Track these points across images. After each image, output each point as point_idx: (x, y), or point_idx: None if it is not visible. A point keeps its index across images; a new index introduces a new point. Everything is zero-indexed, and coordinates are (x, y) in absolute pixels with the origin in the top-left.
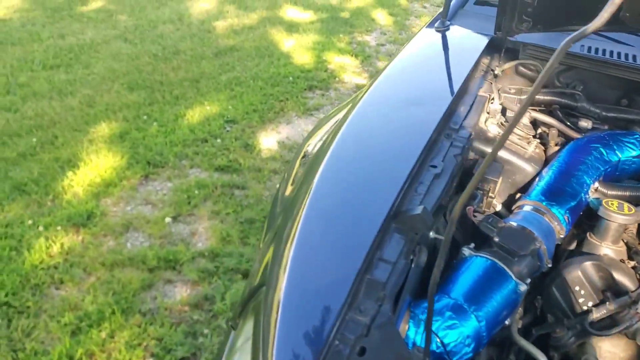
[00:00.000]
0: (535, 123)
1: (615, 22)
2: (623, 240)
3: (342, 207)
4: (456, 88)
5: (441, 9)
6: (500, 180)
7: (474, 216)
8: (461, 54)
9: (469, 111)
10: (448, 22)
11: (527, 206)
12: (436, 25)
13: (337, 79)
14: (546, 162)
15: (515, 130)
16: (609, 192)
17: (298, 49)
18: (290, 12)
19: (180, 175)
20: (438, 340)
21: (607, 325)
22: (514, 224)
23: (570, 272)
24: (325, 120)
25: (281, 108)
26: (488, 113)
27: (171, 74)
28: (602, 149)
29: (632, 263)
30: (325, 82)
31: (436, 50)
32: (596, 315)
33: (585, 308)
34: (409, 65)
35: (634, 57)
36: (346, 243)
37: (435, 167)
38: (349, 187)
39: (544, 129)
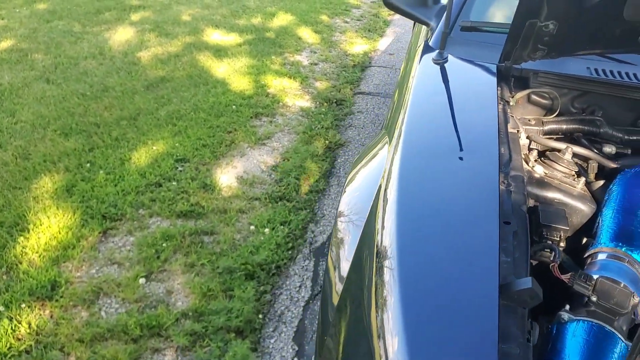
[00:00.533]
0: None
1: (632, 44)
2: None
3: (446, 291)
4: (494, 128)
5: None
6: (568, 228)
7: (561, 273)
8: (476, 88)
9: (509, 151)
10: (446, 53)
11: (602, 254)
12: (434, 57)
13: (280, 103)
14: (595, 199)
15: (557, 167)
16: None
17: (233, 74)
18: (214, 36)
19: (141, 226)
20: None
21: None
22: (606, 279)
23: None
24: (356, 169)
25: (232, 140)
26: (528, 152)
27: (105, 113)
28: None
29: None
30: (270, 108)
31: (449, 87)
32: None
33: None
34: (430, 106)
35: None
36: (470, 338)
37: (509, 223)
38: (442, 264)
39: (579, 161)
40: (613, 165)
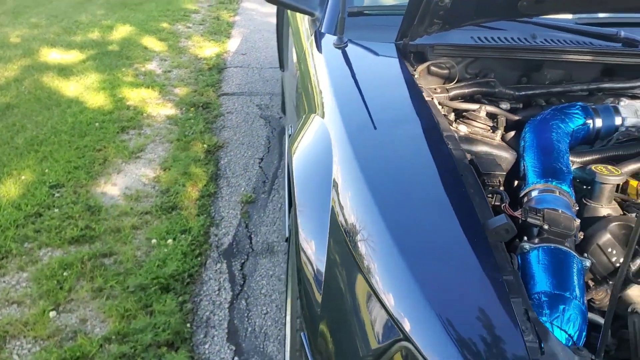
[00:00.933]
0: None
1: (512, 11)
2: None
3: (438, 237)
4: (416, 98)
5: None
6: (505, 173)
7: (514, 211)
8: (383, 66)
9: (434, 116)
10: (345, 38)
11: (535, 190)
12: (334, 42)
13: (144, 114)
14: (511, 147)
15: (476, 124)
16: (579, 160)
17: (85, 91)
18: (53, 55)
19: (32, 260)
20: (567, 334)
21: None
22: (550, 209)
23: (601, 237)
24: (297, 156)
25: (104, 158)
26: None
27: None
28: (559, 124)
29: (632, 215)
30: (134, 121)
31: (359, 67)
32: (633, 267)
33: (617, 263)
34: (349, 87)
35: (519, 39)
36: (475, 272)
37: (462, 175)
38: (426, 217)
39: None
40: (516, 117)
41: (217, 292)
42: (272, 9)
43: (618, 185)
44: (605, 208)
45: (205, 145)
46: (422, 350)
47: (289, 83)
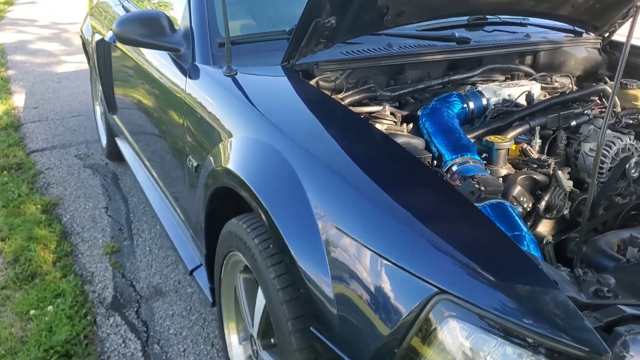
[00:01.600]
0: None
1: (380, 25)
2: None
3: (429, 210)
4: (338, 106)
5: None
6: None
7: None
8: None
9: None
10: (234, 67)
11: (455, 165)
12: (224, 72)
13: None
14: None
15: (386, 121)
16: (470, 136)
17: None
18: None
19: None
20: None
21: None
22: (478, 175)
23: (514, 190)
24: None
25: None
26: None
27: None
28: (447, 110)
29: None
30: None
31: (265, 89)
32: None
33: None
34: (272, 106)
35: (380, 48)
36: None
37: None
38: (411, 196)
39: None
40: (405, 112)
41: (123, 345)
42: (48, 57)
43: (511, 149)
44: (504, 169)
45: (39, 206)
46: (463, 298)
47: (134, 125)
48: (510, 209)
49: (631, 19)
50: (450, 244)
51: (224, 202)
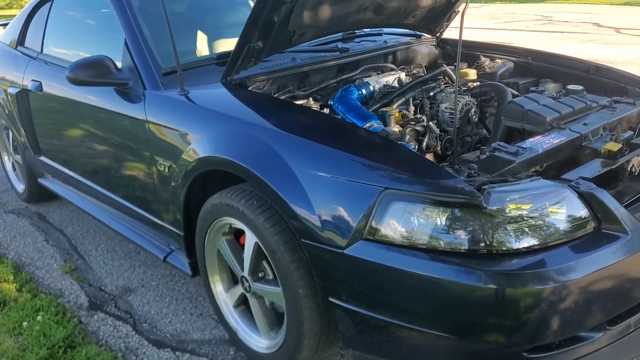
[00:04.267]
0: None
1: (289, 44)
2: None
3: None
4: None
5: None
6: None
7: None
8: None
9: None
10: (186, 88)
11: (367, 128)
12: (178, 92)
13: None
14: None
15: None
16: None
17: None
18: None
19: None
20: None
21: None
22: (385, 130)
23: (405, 137)
24: None
25: None
26: None
27: None
28: (351, 96)
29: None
30: None
31: (229, 100)
32: (423, 145)
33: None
34: (244, 113)
35: (287, 62)
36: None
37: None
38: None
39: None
40: (320, 104)
41: (115, 330)
42: None
43: (396, 115)
44: (395, 128)
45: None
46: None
47: (74, 158)
48: (408, 145)
49: (460, 22)
50: (382, 161)
51: (197, 189)
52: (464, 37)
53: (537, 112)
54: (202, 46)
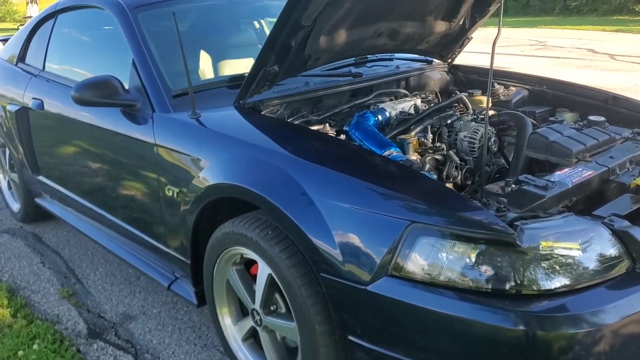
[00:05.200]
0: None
1: (303, 68)
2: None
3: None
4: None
5: None
6: None
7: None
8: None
9: None
10: (197, 111)
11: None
12: (189, 115)
13: None
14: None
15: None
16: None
17: None
18: None
19: None
20: None
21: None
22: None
23: (425, 167)
24: None
25: None
26: None
27: None
28: (368, 122)
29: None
30: None
31: (242, 125)
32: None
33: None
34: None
35: (300, 86)
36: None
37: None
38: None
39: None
40: (335, 129)
41: None
42: None
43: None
44: (414, 156)
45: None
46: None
47: (77, 179)
48: (430, 175)
49: (491, 52)
50: (407, 192)
51: (207, 217)
52: (478, 63)
53: (563, 144)
54: (206, 67)
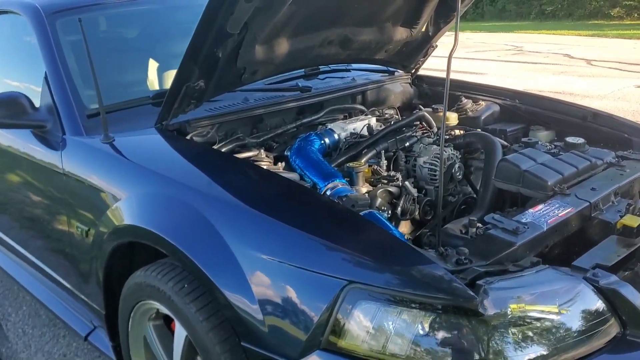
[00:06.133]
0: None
1: (238, 83)
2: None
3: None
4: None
5: None
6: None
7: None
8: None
9: None
10: (111, 135)
11: (329, 190)
12: (101, 140)
13: None
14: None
15: (264, 164)
16: (332, 165)
17: None
18: None
19: None
20: None
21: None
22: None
23: (376, 202)
24: None
25: None
26: None
27: None
28: (311, 147)
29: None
30: None
31: (161, 153)
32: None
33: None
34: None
35: (238, 103)
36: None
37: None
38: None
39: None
40: (274, 154)
41: None
42: None
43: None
44: (364, 187)
45: None
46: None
47: None
48: (379, 215)
49: (447, 60)
50: (345, 244)
51: (121, 260)
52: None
53: (536, 174)
54: (154, 79)
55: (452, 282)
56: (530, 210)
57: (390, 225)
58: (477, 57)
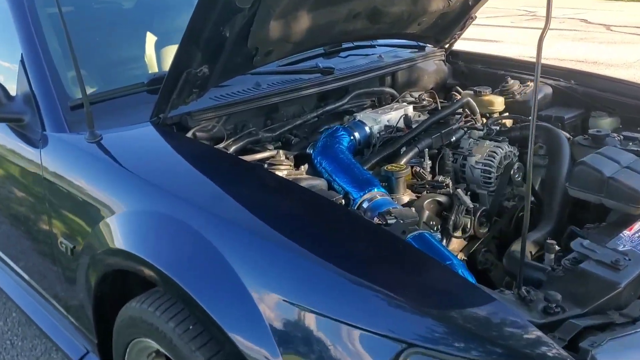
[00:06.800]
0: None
1: (249, 66)
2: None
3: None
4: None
5: None
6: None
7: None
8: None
9: None
10: (97, 132)
11: (365, 202)
12: (86, 138)
13: None
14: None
15: (283, 167)
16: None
17: None
18: None
19: None
20: None
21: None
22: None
23: (423, 215)
24: None
25: None
26: None
27: None
28: (339, 146)
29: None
30: None
31: (156, 157)
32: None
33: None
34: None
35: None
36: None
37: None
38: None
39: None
40: (294, 153)
41: None
42: None
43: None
44: (405, 195)
45: None
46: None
47: None
48: (431, 237)
49: (538, 44)
50: (400, 292)
51: (114, 285)
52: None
53: (625, 182)
54: (152, 58)
55: (543, 344)
56: (627, 233)
57: (447, 252)
58: (491, 23)
